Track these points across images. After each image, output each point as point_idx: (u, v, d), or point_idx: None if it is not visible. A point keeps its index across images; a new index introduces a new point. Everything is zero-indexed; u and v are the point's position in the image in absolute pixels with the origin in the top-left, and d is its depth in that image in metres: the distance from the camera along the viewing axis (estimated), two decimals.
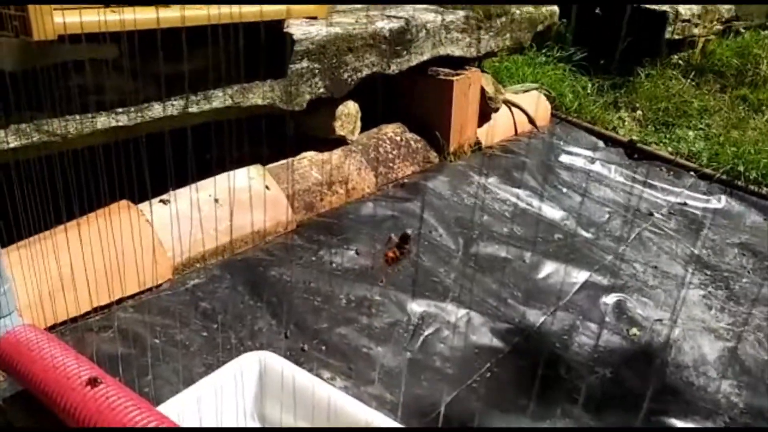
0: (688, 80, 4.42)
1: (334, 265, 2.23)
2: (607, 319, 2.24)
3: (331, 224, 2.43)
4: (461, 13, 3.02)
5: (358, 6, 2.92)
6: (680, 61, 4.55)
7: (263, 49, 2.16)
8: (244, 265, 2.14)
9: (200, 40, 1.96)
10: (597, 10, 4.54)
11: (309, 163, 2.56)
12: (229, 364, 1.50)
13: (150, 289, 1.98)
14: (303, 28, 2.31)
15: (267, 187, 2.38)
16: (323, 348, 1.88)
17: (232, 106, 2.15)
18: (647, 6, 4.39)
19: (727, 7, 4.81)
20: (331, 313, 2.01)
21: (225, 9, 1.90)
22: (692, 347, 2.13)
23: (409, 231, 2.27)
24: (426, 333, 2.00)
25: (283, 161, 2.54)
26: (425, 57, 2.84)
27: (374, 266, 2.23)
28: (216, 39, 2.00)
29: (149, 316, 1.87)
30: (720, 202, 3.22)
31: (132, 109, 1.86)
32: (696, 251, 2.77)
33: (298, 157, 2.59)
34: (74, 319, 1.82)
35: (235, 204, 2.27)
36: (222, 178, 2.29)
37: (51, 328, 1.75)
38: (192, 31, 1.85)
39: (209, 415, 1.37)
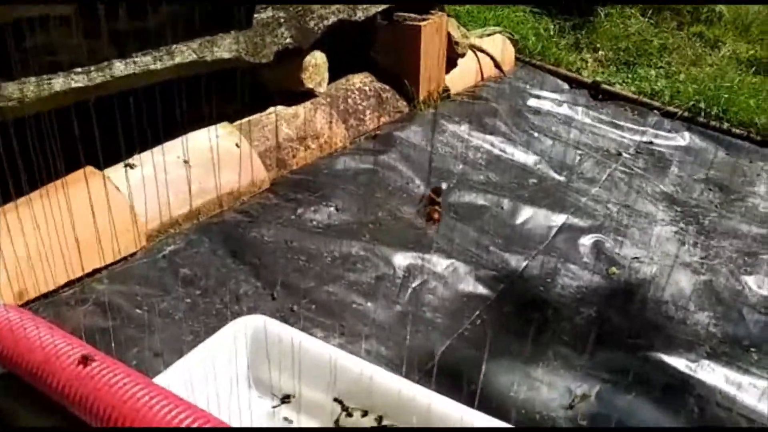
0: (646, 19, 4.43)
1: (314, 222, 2.18)
2: (586, 260, 2.28)
3: (307, 181, 2.37)
4: None
5: None
6: None
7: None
8: (222, 227, 2.08)
9: None
10: None
11: (277, 118, 2.47)
12: (222, 330, 1.46)
13: (125, 258, 1.90)
14: None
15: (237, 145, 2.29)
16: (313, 307, 1.85)
17: (196, 60, 2.04)
18: None
19: None
20: (317, 272, 1.97)
21: None
22: (669, 283, 2.19)
23: (443, 184, 2.23)
24: (413, 285, 1.99)
25: (251, 117, 2.44)
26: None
27: (356, 222, 2.20)
28: None
29: (127, 286, 1.79)
30: (684, 139, 3.28)
31: (92, 68, 1.73)
32: (665, 189, 2.83)
33: (266, 112, 2.49)
34: (46, 295, 1.73)
35: (207, 164, 2.17)
36: (190, 138, 2.19)
37: (23, 306, 1.66)
38: None
39: (206, 385, 1.33)
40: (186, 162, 2.15)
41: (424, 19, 2.90)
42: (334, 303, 1.88)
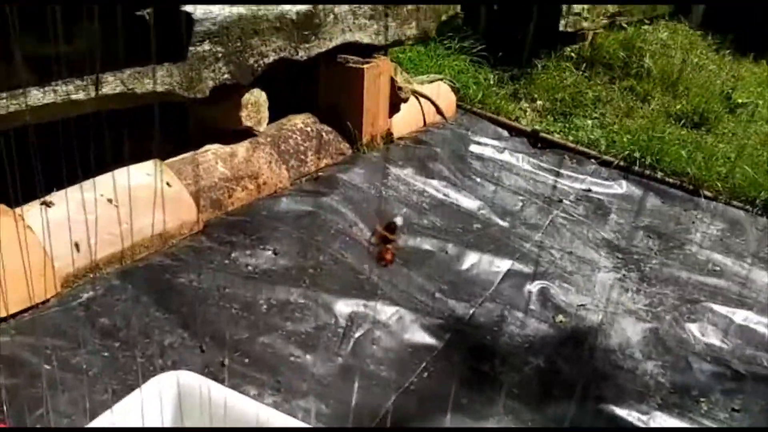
0: (581, 72, 4.58)
1: (250, 267, 2.03)
2: (533, 307, 2.22)
3: (243, 223, 2.23)
4: None
5: None
6: (572, 54, 4.71)
7: (159, 28, 1.93)
8: (147, 272, 1.90)
9: (85, 15, 1.70)
10: (494, 6, 4.60)
11: (214, 157, 2.34)
12: (142, 388, 1.29)
13: (35, 306, 1.70)
14: (203, 6, 2.08)
15: (168, 184, 2.13)
16: (246, 360, 1.69)
17: (124, 92, 1.89)
18: None
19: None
20: (252, 321, 1.82)
21: None
22: (616, 330, 2.16)
23: (397, 219, 2.03)
24: (356, 335, 1.87)
25: (185, 155, 2.30)
26: (334, 43, 2.69)
27: (295, 267, 2.07)
28: (104, 14, 1.75)
29: (36, 338, 1.59)
30: (621, 187, 3.34)
31: (4, 95, 1.57)
32: (606, 235, 2.84)
33: (200, 150, 2.35)
34: None
35: (132, 204, 2.00)
36: (115, 176, 2.02)
37: None
38: (75, 5, 1.59)
39: None
40: (110, 201, 1.97)
41: (367, 62, 2.87)
42: (269, 356, 1.73)
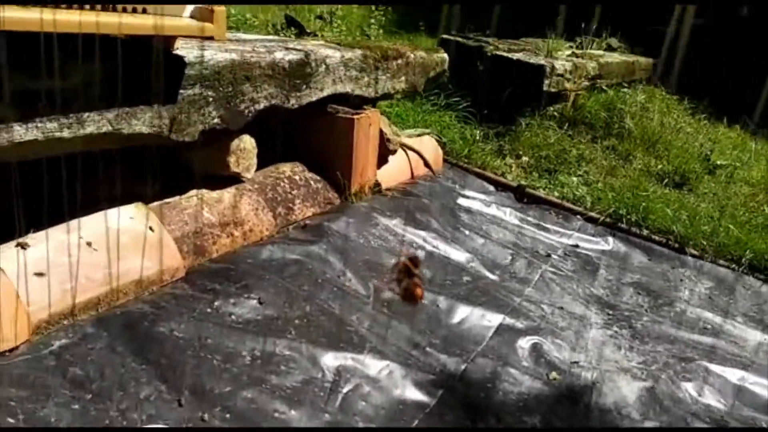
0: (564, 131, 4.65)
1: (233, 316, 1.94)
2: (525, 363, 2.15)
3: (228, 270, 2.14)
4: (359, 52, 2.92)
5: (257, 37, 2.73)
6: (555, 113, 4.79)
7: (149, 69, 1.89)
8: (125, 320, 1.80)
9: (73, 52, 1.66)
10: (479, 65, 4.70)
11: (199, 202, 2.28)
12: None
13: (2, 354, 1.58)
14: (196, 51, 2.07)
15: (150, 229, 2.06)
16: (227, 416, 1.59)
17: (111, 132, 1.84)
18: (524, 60, 4.61)
19: (592, 65, 5.19)
20: (234, 374, 1.72)
21: (103, 18, 1.63)
22: (611, 389, 2.08)
23: (419, 252, 1.89)
24: (345, 390, 1.77)
25: (170, 199, 2.24)
26: (325, 93, 2.69)
27: (281, 317, 1.98)
28: (93, 53, 1.71)
29: (1, 388, 1.47)
30: (608, 243, 3.33)
31: None
32: (595, 291, 2.80)
33: (186, 195, 2.29)
34: None
35: (113, 248, 1.92)
36: (96, 218, 1.95)
37: None
38: (63, 41, 1.56)
39: None
40: (89, 244, 1.89)
41: (357, 113, 2.86)
42: (252, 411, 1.63)
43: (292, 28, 4.89)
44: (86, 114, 1.76)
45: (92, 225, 1.93)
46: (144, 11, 1.73)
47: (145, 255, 1.97)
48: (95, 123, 1.79)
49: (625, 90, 5.45)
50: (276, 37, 3.51)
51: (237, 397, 1.65)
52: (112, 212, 2.01)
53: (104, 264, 1.89)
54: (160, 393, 1.60)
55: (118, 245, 1.93)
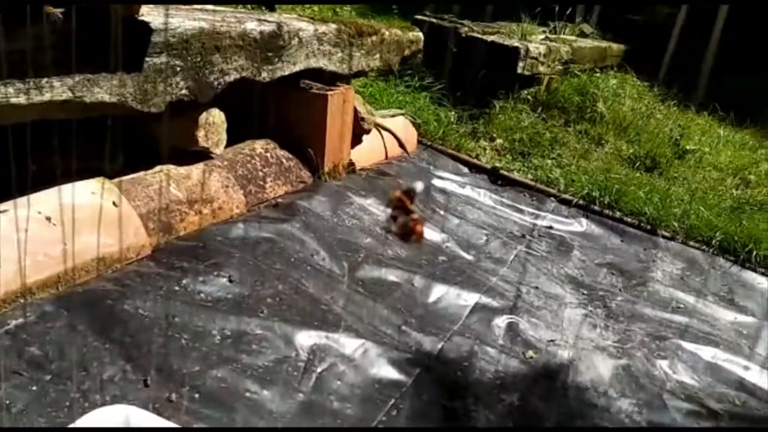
0: (537, 114, 4.64)
1: (202, 295, 1.86)
2: (502, 342, 2.12)
3: (196, 248, 2.06)
4: (333, 26, 2.84)
5: (228, 9, 2.63)
6: (529, 97, 4.78)
7: (112, 35, 1.79)
8: (87, 298, 1.71)
9: (32, 12, 1.56)
10: (453, 47, 4.64)
11: (166, 178, 2.18)
12: (75, 425, 1.11)
13: None
14: (162, 18, 1.97)
15: (114, 204, 1.96)
16: (196, 396, 1.52)
17: (71, 100, 1.74)
18: (499, 42, 4.57)
19: (566, 49, 5.18)
20: (203, 353, 1.65)
21: None
22: (588, 367, 2.07)
23: (417, 185, 1.62)
24: (319, 369, 1.72)
25: (135, 175, 2.14)
26: (298, 67, 2.60)
27: (252, 296, 1.91)
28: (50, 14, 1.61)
29: None
30: (582, 225, 3.32)
31: None
32: (570, 271, 2.79)
33: (152, 170, 2.20)
34: None
35: (74, 223, 1.82)
36: (56, 192, 1.84)
37: None
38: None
39: None
40: (48, 219, 1.79)
41: (331, 90, 2.79)
42: (222, 391, 1.56)
43: (263, 8, 4.76)
44: (44, 80, 1.65)
45: (51, 200, 1.82)
46: None
47: (108, 231, 1.88)
48: (54, 89, 1.69)
49: (598, 75, 5.47)
50: (246, 9, 3.40)
51: (206, 376, 1.58)
52: (74, 186, 1.90)
53: (66, 240, 1.79)
54: (125, 373, 1.53)
55: (79, 221, 1.83)
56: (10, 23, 1.47)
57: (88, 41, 1.72)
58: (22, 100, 1.60)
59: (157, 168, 2.20)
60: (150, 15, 1.95)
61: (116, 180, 2.06)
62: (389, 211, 1.57)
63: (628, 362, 2.13)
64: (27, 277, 1.67)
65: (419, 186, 1.63)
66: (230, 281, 1.94)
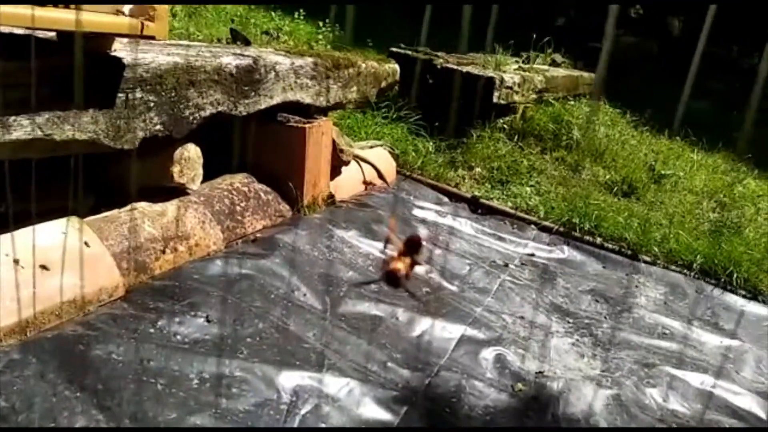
0: (514, 142, 4.67)
1: (178, 337, 1.79)
2: (490, 375, 2.07)
3: (172, 288, 1.99)
4: (310, 60, 2.83)
5: (203, 44, 2.60)
6: (505, 125, 4.81)
7: (85, 71, 1.75)
8: (57, 344, 1.63)
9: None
10: (429, 78, 4.68)
11: (140, 215, 2.12)
12: None
13: None
14: (135, 53, 1.93)
15: (86, 244, 1.89)
16: None
17: (41, 138, 1.68)
18: (474, 72, 4.62)
19: (539, 78, 5.25)
20: (180, 399, 1.58)
21: (21, 10, 1.49)
22: (578, 398, 2.03)
23: (421, 232, 1.55)
24: (302, 411, 1.65)
25: (107, 213, 2.07)
26: (275, 101, 2.58)
27: (231, 336, 1.84)
28: (19, 51, 1.57)
29: None
30: (564, 252, 3.31)
31: None
32: (554, 300, 2.76)
33: (126, 208, 2.13)
34: None
35: (44, 266, 1.75)
36: (25, 233, 1.77)
37: None
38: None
39: None
40: (16, 262, 1.71)
41: (309, 122, 2.77)
42: None
43: (238, 43, 4.76)
44: (12, 118, 1.60)
45: (19, 241, 1.75)
46: (71, 6, 1.59)
47: (79, 273, 1.80)
48: (23, 128, 1.63)
49: (571, 103, 5.55)
50: (222, 44, 3.39)
51: (184, 423, 1.50)
52: (44, 227, 1.84)
53: (34, 283, 1.71)
54: (98, 423, 1.45)
55: (48, 263, 1.76)
56: None
57: (58, 78, 1.68)
58: None
59: (131, 206, 2.14)
60: (122, 51, 1.92)
61: (88, 219, 2.00)
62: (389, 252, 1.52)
63: (618, 392, 2.09)
64: None
65: (423, 232, 1.57)
66: (208, 321, 1.87)
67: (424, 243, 1.53)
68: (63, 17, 1.55)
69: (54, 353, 1.59)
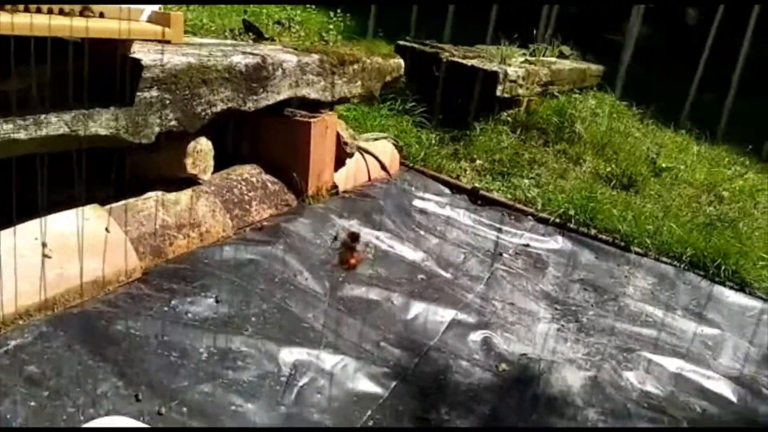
0: (516, 135, 4.80)
1: (190, 315, 1.98)
2: (476, 356, 2.23)
3: (184, 270, 2.17)
4: (316, 57, 2.98)
5: (214, 41, 2.76)
6: (509, 118, 4.94)
7: (106, 72, 1.93)
8: (82, 319, 1.82)
9: (29, 54, 1.68)
10: (435, 71, 4.80)
11: (156, 204, 2.30)
12: None
13: None
14: (153, 54, 2.10)
15: (107, 230, 2.07)
16: (184, 410, 1.62)
17: (68, 134, 1.86)
18: (478, 66, 4.74)
19: (545, 71, 5.36)
20: (191, 369, 1.76)
21: (58, 21, 1.66)
22: (557, 379, 2.19)
23: (360, 231, 2.36)
24: (300, 384, 1.83)
25: (125, 201, 2.25)
26: (282, 96, 2.74)
27: (238, 315, 2.02)
28: (50, 55, 1.74)
29: None
30: (558, 242, 3.45)
31: None
32: (544, 288, 2.91)
33: (143, 196, 2.31)
34: None
35: (68, 249, 1.93)
36: (52, 220, 1.96)
37: None
38: (20, 43, 1.58)
39: None
40: (44, 245, 1.90)
41: (314, 116, 2.92)
42: (209, 405, 1.67)
43: (250, 33, 4.91)
44: (43, 116, 1.78)
45: (48, 226, 1.93)
46: (101, 15, 1.76)
47: (101, 256, 1.99)
48: (52, 125, 1.81)
49: (576, 96, 5.64)
50: (233, 42, 3.54)
51: (194, 391, 1.68)
52: (68, 214, 2.02)
53: (61, 264, 1.90)
54: (117, 389, 1.63)
55: (72, 247, 1.94)
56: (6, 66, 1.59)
57: (84, 78, 1.85)
58: (21, 135, 1.72)
59: (147, 194, 2.32)
60: (140, 52, 2.08)
61: (108, 207, 2.18)
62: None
63: (596, 374, 2.25)
64: (25, 300, 1.78)
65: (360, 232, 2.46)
66: (217, 301, 2.05)
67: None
68: (109, 27, 1.72)
69: (79, 327, 1.78)
